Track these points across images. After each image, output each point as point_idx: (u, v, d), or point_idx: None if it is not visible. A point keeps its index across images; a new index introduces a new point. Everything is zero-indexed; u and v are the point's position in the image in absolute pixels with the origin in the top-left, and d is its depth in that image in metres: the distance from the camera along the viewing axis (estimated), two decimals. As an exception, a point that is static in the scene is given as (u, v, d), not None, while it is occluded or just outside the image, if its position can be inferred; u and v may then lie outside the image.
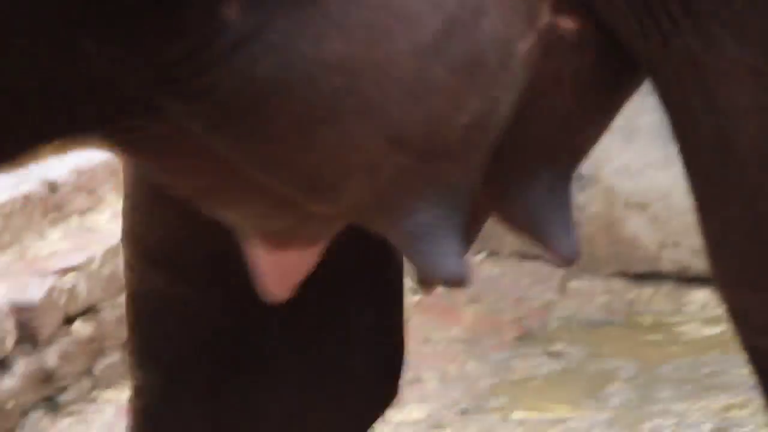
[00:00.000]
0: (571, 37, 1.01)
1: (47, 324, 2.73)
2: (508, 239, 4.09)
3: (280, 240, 1.18)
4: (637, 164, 3.92)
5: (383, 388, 1.39)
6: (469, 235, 1.16)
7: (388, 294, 1.37)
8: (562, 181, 1.11)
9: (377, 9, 0.90)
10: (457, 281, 1.05)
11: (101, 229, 3.13)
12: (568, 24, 1.01)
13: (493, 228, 4.21)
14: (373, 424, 1.41)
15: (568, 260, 1.12)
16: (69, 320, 2.82)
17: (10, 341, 2.60)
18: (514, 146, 1.06)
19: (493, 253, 3.94)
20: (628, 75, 1.08)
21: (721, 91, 0.94)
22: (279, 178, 1.03)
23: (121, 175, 1.36)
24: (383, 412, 1.41)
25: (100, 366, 2.85)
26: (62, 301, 2.79)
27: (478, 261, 3.90)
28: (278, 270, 1.20)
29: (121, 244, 3.06)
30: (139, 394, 1.38)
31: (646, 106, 4.37)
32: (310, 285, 1.28)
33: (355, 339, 1.36)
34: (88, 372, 2.82)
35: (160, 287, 1.34)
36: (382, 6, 0.91)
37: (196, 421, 1.34)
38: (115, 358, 2.96)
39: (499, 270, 3.91)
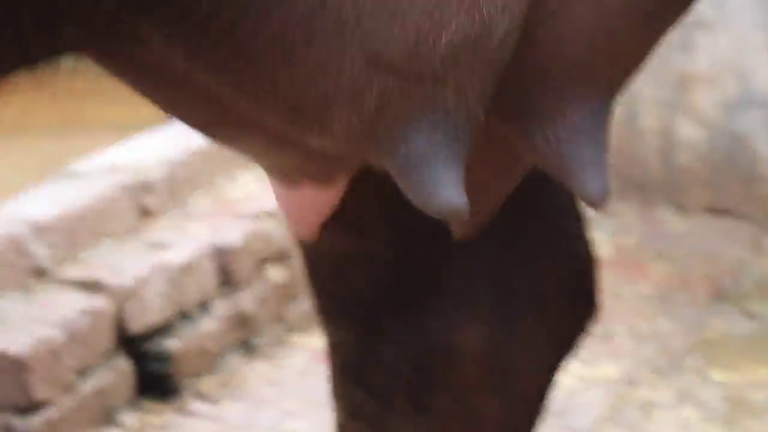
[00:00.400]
0: None
1: (244, 268, 2.72)
2: (697, 192, 3.98)
3: (291, 178, 1.16)
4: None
5: (579, 306, 1.36)
6: (502, 181, 1.13)
7: (567, 208, 1.33)
8: (596, 115, 1.02)
9: None
10: (456, 212, 0.97)
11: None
12: None
13: (680, 181, 4.07)
14: (577, 341, 1.37)
15: (597, 202, 1.04)
16: (263, 264, 2.81)
17: (211, 284, 2.60)
18: (535, 71, 0.99)
19: (681, 208, 3.83)
20: None
21: None
22: (265, 109, 0.99)
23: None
24: (584, 329, 1.37)
25: (293, 311, 2.83)
26: (258, 245, 2.78)
27: (664, 216, 3.80)
28: (297, 208, 1.20)
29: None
30: (336, 349, 1.37)
31: None
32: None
33: (541, 260, 1.33)
34: (281, 317, 2.81)
35: (342, 248, 1.32)
36: None
37: (398, 364, 1.32)
38: (306, 304, 2.95)
39: (689, 226, 3.79)
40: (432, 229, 1.25)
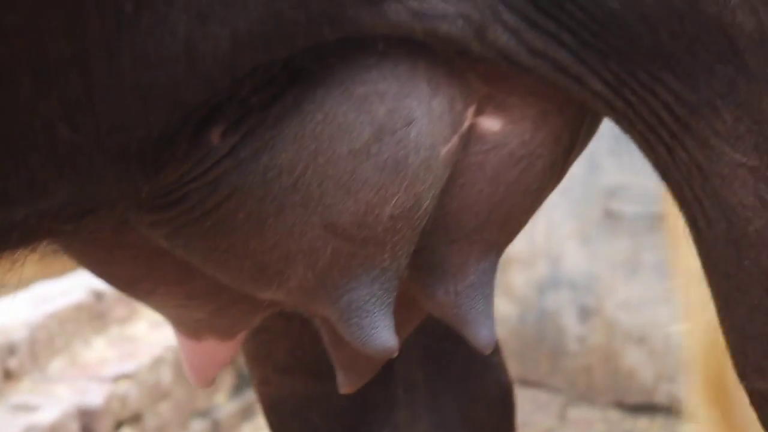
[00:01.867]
0: (495, 135, 1.14)
1: (104, 429, 2.82)
2: (509, 366, 4.22)
3: (196, 331, 1.28)
4: (638, 299, 4.09)
5: (503, 430, 1.53)
6: (407, 322, 1.29)
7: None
8: (487, 272, 1.21)
9: (322, 123, 1.08)
10: (389, 351, 1.16)
11: (141, 339, 3.24)
12: (490, 124, 1.14)
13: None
14: None
15: (486, 348, 1.22)
16: (119, 426, 2.92)
17: (75, 444, 2.70)
18: (443, 235, 1.18)
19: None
20: (557, 164, 1.20)
21: (728, 193, 1.05)
22: (231, 270, 1.14)
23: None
24: None
25: (146, 472, 2.93)
26: (116, 407, 2.89)
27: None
28: (199, 359, 1.31)
29: (163, 355, 3.15)
30: None
31: (649, 244, 4.52)
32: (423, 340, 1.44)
33: (472, 387, 1.50)
34: (134, 478, 2.90)
35: (300, 391, 1.48)
36: (326, 120, 1.08)
37: None
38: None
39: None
40: (382, 368, 1.38)
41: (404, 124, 1.10)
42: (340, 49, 1.07)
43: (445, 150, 1.12)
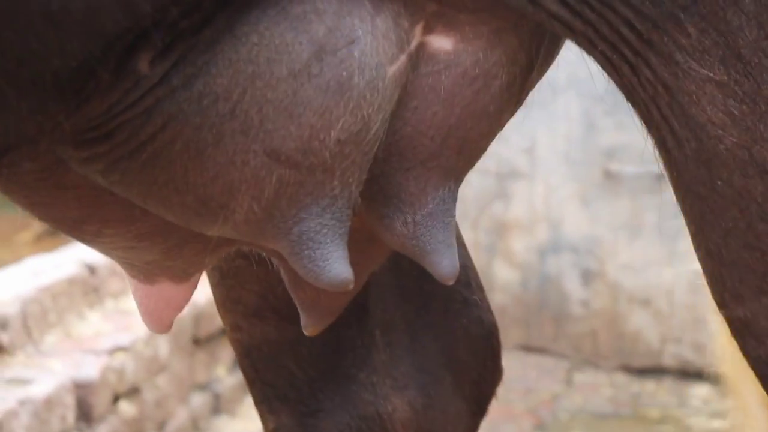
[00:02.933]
0: (446, 55, 1.09)
1: (101, 402, 2.78)
2: (513, 332, 4.19)
3: (149, 274, 1.24)
4: (641, 261, 4.05)
5: (489, 369, 1.48)
6: (369, 258, 1.26)
7: (468, 279, 1.47)
8: (446, 200, 1.16)
9: (258, 45, 1.03)
10: (343, 283, 1.11)
11: (136, 313, 3.19)
12: (441, 43, 1.09)
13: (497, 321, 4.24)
14: (488, 404, 1.49)
15: (449, 278, 1.18)
16: (116, 399, 2.87)
17: (71, 417, 2.65)
18: (397, 162, 1.13)
19: (499, 346, 4.03)
20: (517, 81, 1.15)
21: (696, 110, 1.01)
22: (173, 205, 1.10)
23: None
24: (494, 392, 1.49)
25: (145, 445, 2.89)
26: (112, 380, 2.85)
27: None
28: (153, 303, 1.26)
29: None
30: None
31: (650, 205, 4.49)
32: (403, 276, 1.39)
33: (452, 327, 1.45)
34: (134, 451, 2.86)
35: (273, 336, 1.44)
36: (262, 42, 1.03)
37: None
38: (155, 438, 3.02)
39: (505, 362, 3.99)
40: (356, 309, 1.38)
41: (346, 43, 1.04)
42: None
43: (392, 70, 1.07)
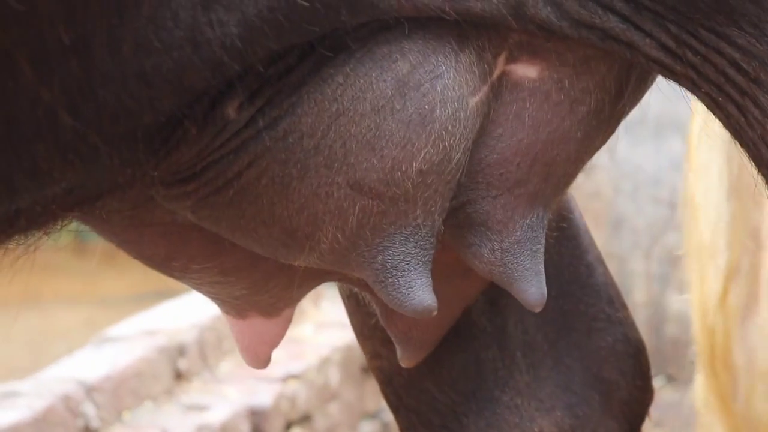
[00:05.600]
0: (530, 82, 1.10)
1: (274, 429, 2.82)
2: (686, 363, 4.11)
3: (239, 309, 1.26)
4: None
5: (638, 387, 1.45)
6: (464, 288, 1.26)
7: (611, 297, 1.45)
8: (534, 228, 1.17)
9: (344, 84, 1.06)
10: (428, 311, 1.13)
11: (307, 341, 3.23)
12: (524, 71, 1.10)
13: (669, 352, 4.18)
14: (641, 423, 1.46)
15: (536, 306, 1.19)
16: (289, 426, 2.91)
17: (246, 443, 2.70)
18: (483, 190, 1.14)
19: (671, 379, 3.96)
20: (606, 112, 1.14)
21: None
22: (260, 237, 1.12)
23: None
24: (646, 411, 1.46)
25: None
26: (285, 407, 2.89)
27: (657, 386, 3.92)
28: (248, 339, 1.28)
29: (330, 356, 3.15)
30: None
31: None
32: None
33: (597, 346, 1.44)
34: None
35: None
36: (348, 82, 1.06)
37: None
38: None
39: (679, 395, 3.92)
40: (495, 332, 1.39)
41: (429, 79, 1.07)
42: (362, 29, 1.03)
43: (474, 100, 1.09)
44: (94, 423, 2.47)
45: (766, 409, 1.48)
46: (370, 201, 1.09)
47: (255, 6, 1.00)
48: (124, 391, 2.57)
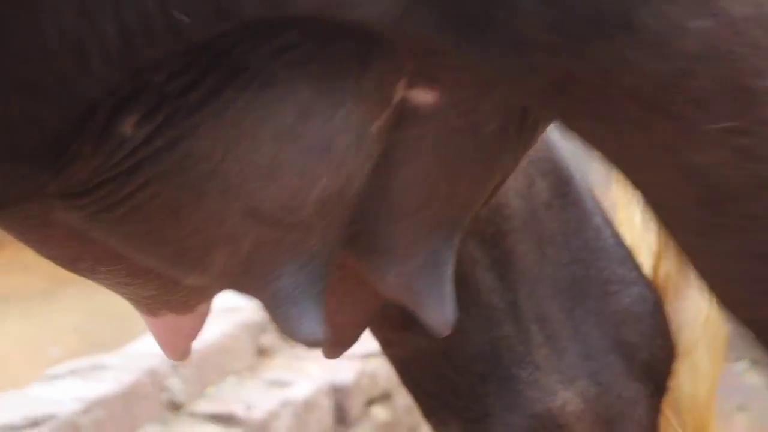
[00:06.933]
0: (429, 108, 1.06)
1: (355, 406, 2.83)
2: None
3: (151, 307, 1.23)
4: None
5: (660, 345, 1.45)
6: (365, 312, 1.23)
7: (623, 258, 1.44)
8: (440, 252, 1.14)
9: (244, 109, 1.02)
10: (314, 342, 1.10)
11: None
12: (423, 97, 1.06)
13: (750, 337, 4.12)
14: (668, 380, 1.45)
15: (442, 331, 1.16)
16: (370, 403, 2.92)
17: (329, 420, 2.71)
18: (386, 215, 1.11)
19: (755, 363, 3.92)
20: (509, 136, 1.10)
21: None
22: (150, 253, 1.10)
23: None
24: (671, 368, 1.45)
25: (397, 451, 2.93)
26: (366, 384, 2.90)
27: (740, 370, 3.89)
28: (164, 334, 1.26)
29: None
30: None
31: None
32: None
33: (613, 310, 1.43)
34: (386, 456, 2.90)
35: (425, 346, 1.44)
36: (248, 107, 1.02)
37: None
38: (407, 444, 3.05)
39: (763, 379, 3.88)
40: (506, 307, 1.38)
41: (331, 105, 1.03)
42: (260, 33, 0.99)
43: (375, 127, 1.05)
44: (180, 397, 2.49)
45: (689, 388, 1.48)
46: (266, 229, 1.06)
47: (134, 15, 0.96)
48: (208, 367, 2.59)
